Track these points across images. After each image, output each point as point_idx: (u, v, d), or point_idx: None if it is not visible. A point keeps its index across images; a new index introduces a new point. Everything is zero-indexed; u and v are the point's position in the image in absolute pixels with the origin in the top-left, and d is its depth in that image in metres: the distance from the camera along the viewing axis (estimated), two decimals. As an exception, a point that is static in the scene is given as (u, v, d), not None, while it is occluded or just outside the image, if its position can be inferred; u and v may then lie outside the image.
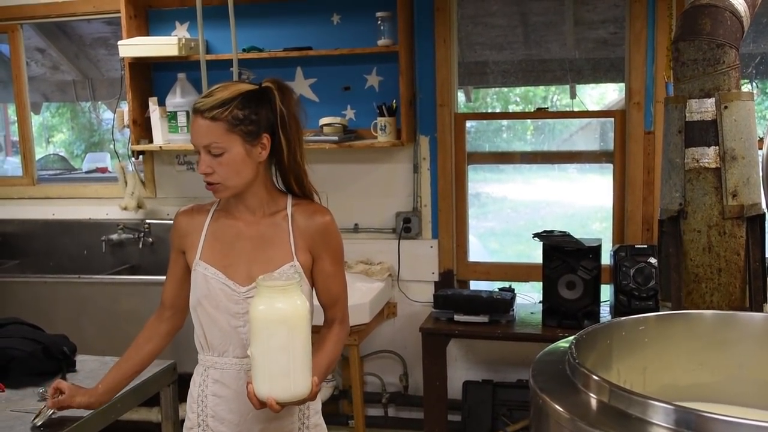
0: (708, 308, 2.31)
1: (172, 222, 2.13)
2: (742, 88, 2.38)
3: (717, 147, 2.26)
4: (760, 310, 2.29)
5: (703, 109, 2.27)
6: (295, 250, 2.02)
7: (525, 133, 6.28)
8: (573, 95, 5.26)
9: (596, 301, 3.46)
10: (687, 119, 2.30)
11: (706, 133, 2.27)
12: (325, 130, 3.75)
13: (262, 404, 1.82)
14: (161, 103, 4.03)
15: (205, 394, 2.06)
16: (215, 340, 2.03)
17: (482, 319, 3.54)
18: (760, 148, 2.43)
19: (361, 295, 3.65)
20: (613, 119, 3.78)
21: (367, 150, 3.86)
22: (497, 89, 5.78)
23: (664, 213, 2.38)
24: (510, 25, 4.26)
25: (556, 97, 6.05)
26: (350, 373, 3.72)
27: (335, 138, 3.69)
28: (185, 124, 3.95)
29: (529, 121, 5.33)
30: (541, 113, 3.98)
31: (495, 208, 8.13)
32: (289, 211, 2.04)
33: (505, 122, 5.89)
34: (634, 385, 1.92)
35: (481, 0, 4.06)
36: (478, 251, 5.15)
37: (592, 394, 1.51)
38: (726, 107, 2.25)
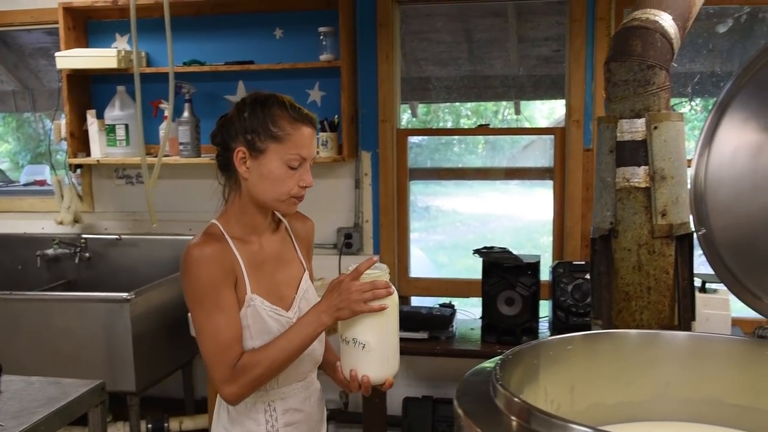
0: (638, 326, 2.33)
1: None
2: (682, 107, 2.41)
3: (647, 167, 2.29)
4: (688, 327, 2.31)
5: (633, 129, 2.30)
6: (302, 260, 2.08)
7: (477, 147, 6.31)
8: (517, 111, 5.30)
9: (535, 317, 3.47)
10: (618, 139, 2.32)
11: (637, 152, 2.30)
12: (267, 144, 3.72)
13: (359, 387, 1.92)
14: (100, 115, 3.97)
15: (276, 428, 2.00)
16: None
17: (422, 335, 3.53)
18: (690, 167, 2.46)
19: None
20: (553, 136, 3.82)
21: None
22: (450, 104, 5.79)
23: (596, 231, 2.40)
24: (455, 41, 4.28)
25: (507, 111, 6.10)
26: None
27: (276, 153, 3.66)
28: (124, 137, 3.90)
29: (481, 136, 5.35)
30: (483, 129, 4.00)
31: (444, 221, 8.15)
32: (285, 222, 2.08)
33: (456, 137, 5.91)
34: (561, 404, 1.93)
35: (425, 16, 4.07)
36: (422, 266, 5.15)
37: (513, 417, 1.51)
38: (656, 127, 2.28)
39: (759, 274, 2.02)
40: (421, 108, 5.29)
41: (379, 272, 1.86)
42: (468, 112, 6.75)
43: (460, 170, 4.85)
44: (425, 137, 4.78)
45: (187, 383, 3.97)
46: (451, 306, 3.72)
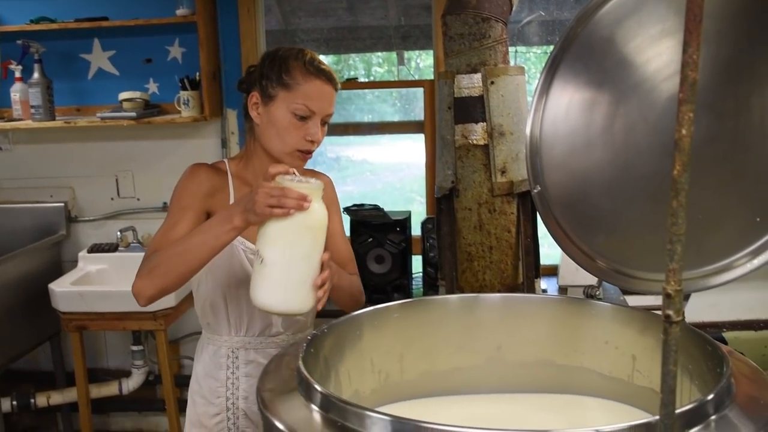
0: (481, 287, 2.29)
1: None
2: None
3: (485, 123, 2.22)
4: (532, 286, 2.28)
5: (470, 84, 2.23)
6: None
7: (391, 97, 6.17)
8: (401, 62, 5.19)
9: (405, 274, 3.43)
10: (455, 95, 2.25)
11: (474, 109, 2.23)
12: (125, 105, 3.54)
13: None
14: (-55, 78, 3.72)
15: (236, 376, 2.02)
16: (248, 318, 1.96)
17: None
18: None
19: (169, 277, 3.49)
20: (422, 89, 3.73)
21: (172, 126, 3.67)
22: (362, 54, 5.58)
23: (438, 191, 2.34)
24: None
25: (419, 59, 5.97)
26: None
27: (133, 114, 3.49)
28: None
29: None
30: (350, 84, 3.88)
31: (354, 171, 8.06)
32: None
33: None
34: (390, 374, 1.88)
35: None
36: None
37: (314, 406, 1.43)
38: (492, 82, 2.21)
39: (590, 233, 1.98)
40: (332, 58, 5.10)
41: (302, 184, 1.63)
42: (380, 60, 6.60)
43: (353, 125, 4.71)
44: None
45: (56, 356, 3.83)
46: (322, 265, 3.63)
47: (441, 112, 2.29)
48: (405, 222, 3.40)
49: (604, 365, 1.87)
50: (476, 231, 2.26)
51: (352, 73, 5.90)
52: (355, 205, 3.47)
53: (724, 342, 3.57)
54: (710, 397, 1.35)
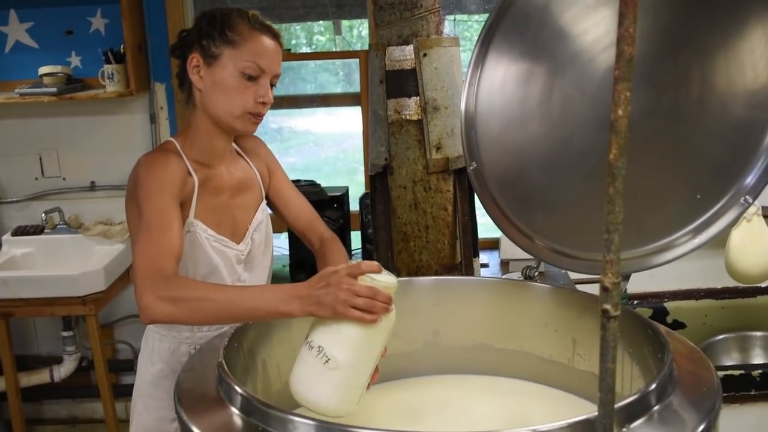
0: (418, 268, 2.21)
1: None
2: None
3: (418, 98, 2.13)
4: (470, 266, 2.21)
5: (401, 57, 2.13)
6: (261, 185, 1.92)
7: (334, 66, 6.03)
8: (338, 31, 5.05)
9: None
10: (387, 68, 2.15)
11: (406, 82, 2.14)
12: (45, 80, 3.36)
13: None
14: None
15: None
16: None
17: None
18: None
19: (98, 259, 3.35)
20: (357, 60, 3.62)
21: (96, 101, 3.50)
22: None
23: (372, 168, 2.25)
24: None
25: (361, 27, 5.83)
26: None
27: (54, 90, 3.31)
28: None
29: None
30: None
31: (297, 142, 7.92)
32: (236, 148, 1.90)
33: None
34: (323, 363, 1.79)
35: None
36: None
37: (234, 410, 1.34)
38: (425, 54, 2.12)
39: (528, 211, 1.90)
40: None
41: (387, 282, 1.43)
42: (321, 29, 6.44)
43: (292, 98, 4.56)
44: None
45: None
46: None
47: (373, 86, 2.19)
48: (342, 198, 3.30)
49: (544, 349, 1.81)
50: (411, 210, 2.17)
51: (293, 42, 5.76)
52: (292, 181, 3.35)
53: (666, 312, 3.57)
54: (652, 387, 1.29)
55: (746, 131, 1.62)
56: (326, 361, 1.40)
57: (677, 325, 3.58)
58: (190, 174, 1.74)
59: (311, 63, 5.91)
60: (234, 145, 1.90)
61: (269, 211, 1.98)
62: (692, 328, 3.57)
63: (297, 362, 1.47)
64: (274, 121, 7.21)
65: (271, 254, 1.96)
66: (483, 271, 3.00)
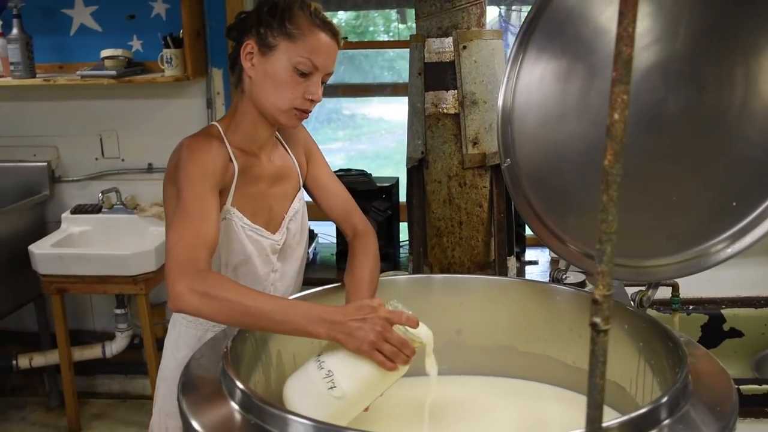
0: (450, 264, 2.18)
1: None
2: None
3: (456, 91, 2.09)
4: (504, 264, 2.16)
5: (441, 49, 2.09)
6: (299, 174, 1.90)
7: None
8: (403, 20, 5.01)
9: (392, 243, 3.31)
10: (426, 60, 2.11)
11: (445, 75, 2.10)
12: (107, 63, 3.42)
13: None
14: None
15: None
16: None
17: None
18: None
19: (151, 240, 3.41)
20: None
21: (155, 85, 3.55)
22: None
23: (408, 161, 2.22)
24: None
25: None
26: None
27: (113, 72, 3.37)
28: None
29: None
30: (356, 44, 3.72)
31: (369, 130, 7.92)
32: (279, 137, 1.90)
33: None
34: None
35: None
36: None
37: (234, 404, 1.33)
38: (465, 47, 2.07)
39: (559, 212, 1.85)
40: (352, 14, 4.89)
41: (419, 336, 1.45)
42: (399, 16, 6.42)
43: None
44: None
45: (41, 317, 3.77)
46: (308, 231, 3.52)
47: (412, 78, 2.16)
48: (391, 189, 3.27)
49: (567, 354, 1.76)
50: (445, 205, 2.14)
51: (371, 29, 5.73)
52: (341, 170, 3.34)
53: (722, 320, 3.44)
54: (663, 401, 1.24)
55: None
56: (331, 388, 1.41)
57: (734, 334, 3.46)
58: (231, 161, 1.72)
59: (390, 51, 5.87)
60: (276, 132, 1.88)
61: (308, 198, 1.95)
62: (750, 337, 3.44)
63: (299, 374, 1.48)
64: (348, 108, 7.22)
65: (306, 244, 1.94)
66: (531, 269, 2.94)
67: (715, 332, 3.45)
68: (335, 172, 3.27)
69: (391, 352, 1.40)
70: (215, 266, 1.74)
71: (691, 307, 3.46)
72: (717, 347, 3.46)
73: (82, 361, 3.64)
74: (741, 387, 2.86)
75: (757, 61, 1.60)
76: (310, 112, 1.74)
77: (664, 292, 3.20)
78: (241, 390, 1.31)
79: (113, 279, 3.28)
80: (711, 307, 3.46)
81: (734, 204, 1.57)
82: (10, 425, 3.74)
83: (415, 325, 1.44)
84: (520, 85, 1.96)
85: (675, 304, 3.11)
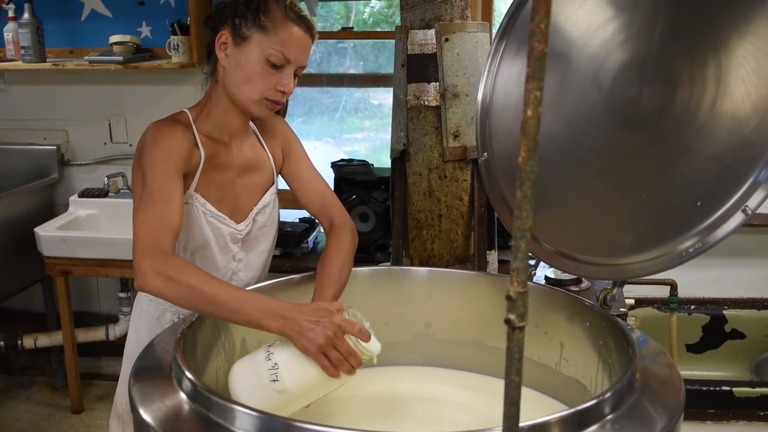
0: (429, 257, 2.17)
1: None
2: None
3: (437, 83, 2.08)
4: (484, 258, 2.16)
5: (423, 41, 2.08)
6: (273, 168, 1.90)
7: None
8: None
9: (390, 233, 3.30)
10: (408, 52, 2.10)
11: (427, 67, 2.09)
12: (115, 49, 3.46)
13: None
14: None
15: None
16: None
17: (275, 252, 3.36)
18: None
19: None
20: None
21: (161, 71, 3.58)
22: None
23: (391, 153, 2.22)
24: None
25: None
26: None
27: (120, 58, 3.40)
28: (-35, 40, 3.62)
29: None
30: (345, 33, 3.72)
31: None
32: (253, 127, 1.90)
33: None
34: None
35: None
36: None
37: (182, 394, 1.34)
38: (447, 39, 2.06)
39: (534, 210, 1.83)
40: (339, 5, 4.90)
41: (367, 350, 1.45)
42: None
43: (323, 76, 4.50)
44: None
45: (48, 298, 3.83)
46: (309, 221, 3.54)
47: (396, 70, 2.16)
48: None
49: (533, 350, 1.76)
50: (426, 198, 2.13)
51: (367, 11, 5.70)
52: (342, 160, 3.35)
53: (724, 320, 3.41)
54: (607, 396, 1.23)
55: (755, 139, 1.51)
56: (274, 380, 1.43)
57: (735, 335, 3.42)
58: (197, 146, 1.74)
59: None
60: (252, 124, 1.89)
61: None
62: (751, 339, 3.40)
63: (247, 360, 1.49)
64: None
65: (274, 237, 1.95)
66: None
67: (716, 333, 3.42)
68: (341, 161, 3.32)
69: (336, 359, 1.42)
70: (177, 250, 1.76)
71: (692, 307, 3.42)
72: (718, 348, 3.43)
73: (87, 342, 3.69)
74: (735, 389, 2.84)
75: (728, 61, 1.57)
76: (282, 102, 1.75)
77: (663, 291, 3.18)
78: (189, 379, 1.32)
79: (115, 262, 3.31)
80: (713, 307, 3.42)
81: (698, 204, 1.55)
82: (16, 403, 3.81)
83: (367, 339, 1.45)
84: (499, 80, 1.95)
85: (673, 303, 3.09)
